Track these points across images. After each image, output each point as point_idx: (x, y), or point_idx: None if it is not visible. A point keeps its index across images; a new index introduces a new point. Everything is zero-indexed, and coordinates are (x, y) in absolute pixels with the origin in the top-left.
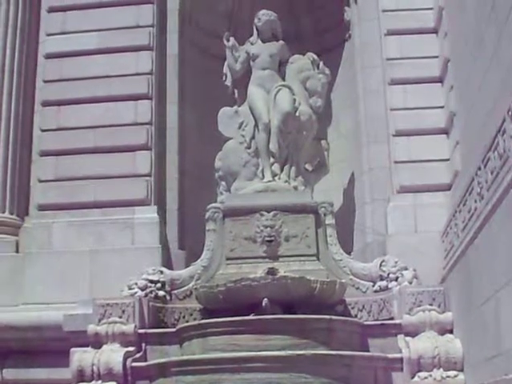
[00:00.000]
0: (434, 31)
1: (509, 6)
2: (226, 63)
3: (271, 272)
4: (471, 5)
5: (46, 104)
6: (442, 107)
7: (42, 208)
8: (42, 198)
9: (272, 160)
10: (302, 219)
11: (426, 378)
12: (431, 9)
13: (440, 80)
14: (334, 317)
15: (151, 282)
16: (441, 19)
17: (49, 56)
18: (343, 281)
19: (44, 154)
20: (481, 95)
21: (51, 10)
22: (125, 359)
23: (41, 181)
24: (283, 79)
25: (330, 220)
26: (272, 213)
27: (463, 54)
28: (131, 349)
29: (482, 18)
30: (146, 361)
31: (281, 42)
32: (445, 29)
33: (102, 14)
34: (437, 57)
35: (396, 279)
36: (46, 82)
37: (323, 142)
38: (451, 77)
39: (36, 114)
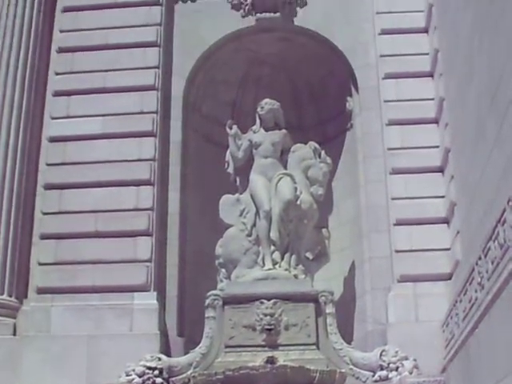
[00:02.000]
0: (435, 121)
1: (509, 99)
2: (228, 151)
3: (270, 361)
4: (472, 96)
5: (48, 187)
6: (442, 197)
7: (41, 291)
8: (41, 281)
9: (273, 248)
10: (302, 308)
11: None
12: (432, 99)
13: (441, 170)
14: None
15: (149, 368)
16: (442, 110)
17: (52, 139)
18: (343, 370)
19: (44, 237)
20: (481, 185)
21: (56, 93)
22: None
23: (40, 264)
24: (285, 167)
25: (330, 309)
26: (272, 301)
27: (464, 144)
28: None
29: (483, 110)
30: None
31: (283, 130)
32: (446, 119)
33: (106, 99)
34: (438, 147)
35: (396, 369)
36: (48, 165)
37: (324, 230)
38: (452, 166)
39: (38, 197)
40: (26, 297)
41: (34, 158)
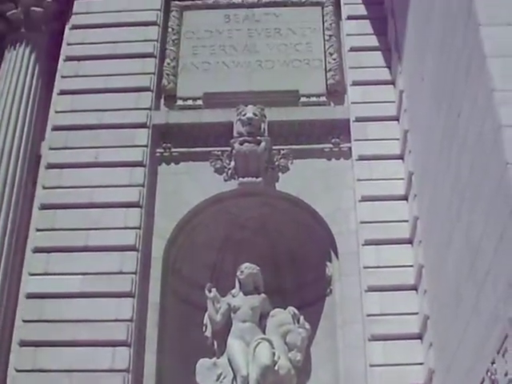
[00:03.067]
0: (414, 288)
1: (486, 269)
2: (206, 314)
3: None
4: (450, 264)
5: (23, 344)
6: (421, 364)
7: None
8: None
9: None
10: None
11: None
12: (411, 266)
13: (420, 337)
14: None
15: None
16: (421, 277)
17: (30, 296)
18: None
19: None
20: (460, 354)
21: (36, 250)
22: None
23: None
24: (263, 332)
25: None
26: None
27: (442, 311)
28: None
29: (461, 278)
30: None
31: (262, 295)
32: (424, 286)
33: (86, 257)
34: (417, 313)
35: None
36: (24, 321)
37: None
38: (431, 334)
39: (12, 355)
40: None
41: (10, 314)
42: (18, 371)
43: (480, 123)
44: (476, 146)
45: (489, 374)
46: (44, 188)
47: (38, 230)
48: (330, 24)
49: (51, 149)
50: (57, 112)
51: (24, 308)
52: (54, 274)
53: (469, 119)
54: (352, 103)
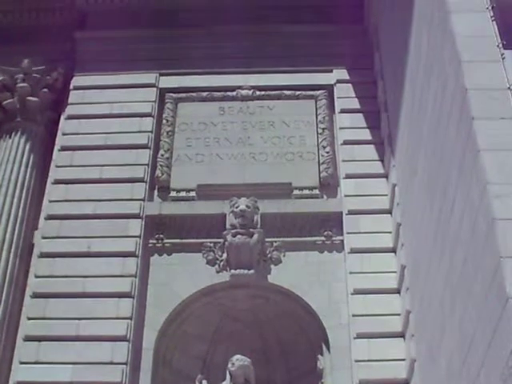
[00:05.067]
0: (406, 382)
1: (480, 362)
2: None
3: None
4: (443, 358)
5: None
6: None
7: None
8: None
9: None
10: None
11: None
12: (403, 360)
13: None
14: None
15: None
16: (413, 371)
17: None
18: None
19: None
20: None
21: (27, 338)
22: None
23: None
24: None
25: None
26: None
27: None
28: None
29: (454, 371)
30: None
31: None
32: (417, 381)
33: (76, 347)
34: None
35: None
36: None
37: None
38: None
39: None
40: None
41: None
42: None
43: (473, 216)
44: (469, 239)
45: None
46: (36, 277)
47: (29, 319)
48: (324, 117)
49: (44, 238)
50: (51, 201)
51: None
52: (45, 363)
53: (462, 212)
54: (345, 196)
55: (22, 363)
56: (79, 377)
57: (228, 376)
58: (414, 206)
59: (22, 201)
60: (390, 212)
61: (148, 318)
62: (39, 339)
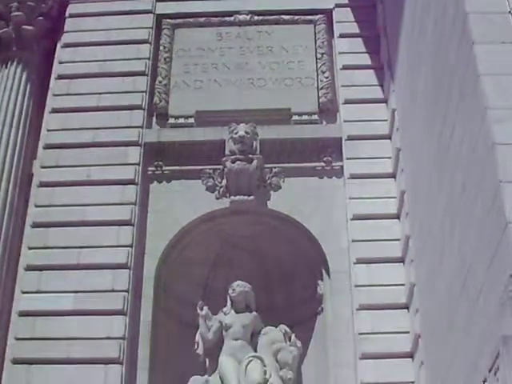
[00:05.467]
0: (406, 307)
1: (479, 287)
2: (198, 332)
3: None
4: (442, 283)
5: (15, 362)
6: (412, 382)
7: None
8: None
9: None
10: None
11: None
12: (403, 285)
13: (411, 356)
14: None
15: None
16: (412, 295)
17: (22, 314)
18: None
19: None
20: (452, 373)
21: (28, 268)
22: None
23: None
24: (255, 350)
25: None
26: None
27: (435, 331)
28: None
29: (453, 294)
30: None
31: (254, 313)
32: (416, 305)
33: (78, 275)
34: (408, 332)
35: None
36: (17, 339)
37: None
38: (422, 353)
39: (5, 372)
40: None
41: (2, 333)
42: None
43: (473, 141)
44: (469, 164)
45: None
46: (36, 206)
47: (30, 248)
48: (323, 42)
49: (43, 167)
50: (48, 130)
51: (16, 326)
52: (47, 292)
53: (462, 137)
54: (344, 121)
55: (23, 293)
56: (81, 305)
57: (229, 302)
58: (413, 131)
59: (20, 130)
60: (389, 137)
61: (148, 245)
62: (40, 268)
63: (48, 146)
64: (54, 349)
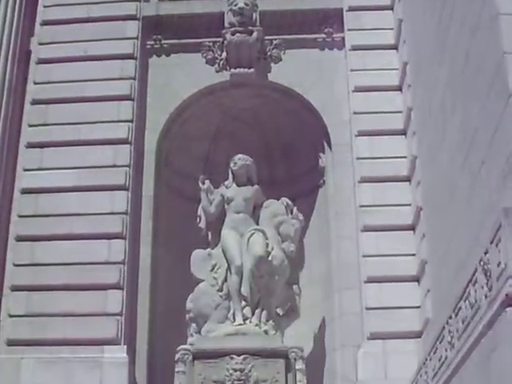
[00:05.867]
0: (408, 179)
1: (481, 159)
2: (200, 206)
3: None
4: (444, 156)
5: (19, 239)
6: (413, 255)
7: (12, 343)
8: (11, 333)
9: (243, 303)
10: (272, 364)
11: None
12: (405, 157)
13: (412, 228)
14: None
15: None
16: (414, 168)
17: (24, 191)
18: None
19: (15, 288)
20: (453, 245)
21: (29, 145)
22: None
23: (11, 315)
24: (257, 223)
25: (300, 365)
26: (242, 356)
27: (436, 203)
28: None
29: (455, 169)
30: None
31: (255, 186)
32: (418, 178)
33: (79, 152)
34: (410, 205)
35: None
36: (20, 216)
37: (295, 286)
38: (424, 225)
39: (9, 249)
40: None
41: (6, 210)
42: (15, 265)
43: (477, 11)
44: (472, 34)
45: (481, 263)
46: (35, 83)
47: (30, 126)
48: None
49: (40, 44)
50: (45, 7)
51: (19, 203)
52: (49, 169)
53: (466, 7)
54: None
55: (25, 170)
56: (83, 181)
57: (230, 175)
58: (416, 0)
59: (17, 7)
60: (391, 8)
61: (149, 119)
62: (41, 146)
63: (45, 23)
64: (58, 225)
